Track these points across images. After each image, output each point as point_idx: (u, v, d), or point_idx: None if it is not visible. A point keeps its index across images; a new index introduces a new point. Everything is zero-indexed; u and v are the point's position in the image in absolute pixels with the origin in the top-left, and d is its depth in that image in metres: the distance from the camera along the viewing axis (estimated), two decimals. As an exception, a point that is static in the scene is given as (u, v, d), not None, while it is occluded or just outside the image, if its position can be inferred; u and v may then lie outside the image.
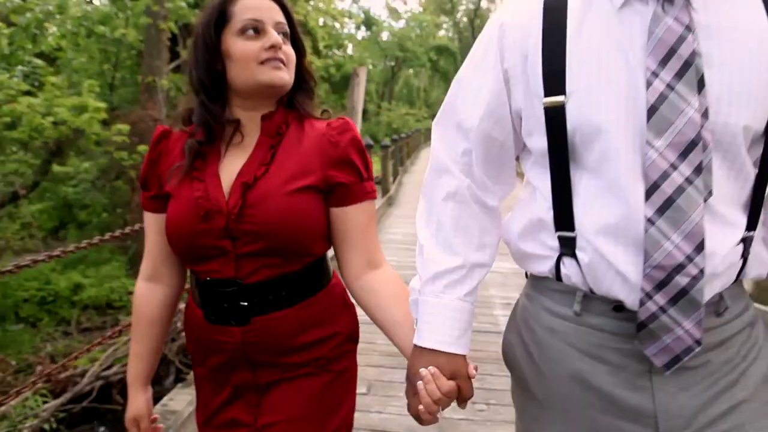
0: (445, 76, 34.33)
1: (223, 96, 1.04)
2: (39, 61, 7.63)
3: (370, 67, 25.42)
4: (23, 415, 3.82)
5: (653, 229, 0.76)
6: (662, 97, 0.75)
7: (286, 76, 1.02)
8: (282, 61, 1.01)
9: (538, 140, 0.84)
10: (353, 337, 1.14)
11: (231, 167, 1.02)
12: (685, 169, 0.74)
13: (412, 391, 0.93)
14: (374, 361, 2.95)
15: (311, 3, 14.02)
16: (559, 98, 0.80)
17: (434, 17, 35.16)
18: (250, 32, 1.00)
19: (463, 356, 0.91)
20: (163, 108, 7.10)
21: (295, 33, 1.06)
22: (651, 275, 0.76)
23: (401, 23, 33.55)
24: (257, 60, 0.99)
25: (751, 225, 0.82)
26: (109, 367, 4.45)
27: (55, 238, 10.35)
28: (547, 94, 0.81)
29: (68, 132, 5.67)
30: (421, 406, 0.88)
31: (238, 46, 0.99)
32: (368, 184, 1.07)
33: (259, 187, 1.00)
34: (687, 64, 0.74)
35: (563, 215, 0.84)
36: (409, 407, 0.93)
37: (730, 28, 0.77)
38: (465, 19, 38.50)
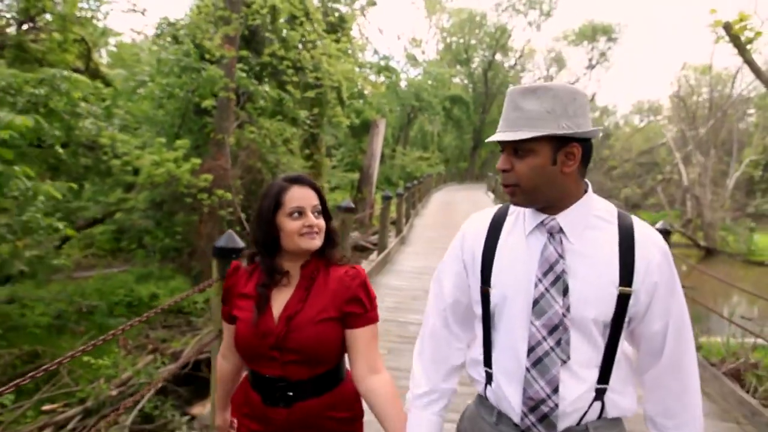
0: (458, 123, 36.22)
1: (277, 253, 1.51)
2: (128, 117, 9.86)
3: (388, 111, 27.20)
4: (148, 372, 5.76)
5: (528, 375, 1.19)
6: (542, 296, 1.19)
7: (317, 242, 1.50)
8: (315, 233, 1.49)
9: (477, 309, 1.31)
10: (361, 417, 1.61)
11: (279, 301, 1.49)
12: (551, 341, 1.17)
13: None
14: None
15: (341, 61, 15.95)
16: (489, 288, 1.26)
17: (450, 70, 37.32)
18: (295, 215, 1.48)
19: None
20: (229, 159, 9.24)
21: (324, 207, 1.53)
22: (526, 403, 1.20)
23: (418, 70, 35.90)
24: (299, 233, 1.47)
25: (603, 380, 1.20)
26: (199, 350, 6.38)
27: (114, 257, 12.43)
28: (482, 283, 1.27)
29: (168, 178, 7.77)
30: None
31: (287, 225, 1.47)
32: (371, 313, 1.51)
33: (298, 318, 1.47)
34: (558, 278, 1.18)
35: (486, 358, 1.29)
36: None
37: (591, 255, 1.20)
38: (479, 70, 40.65)
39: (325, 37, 12.12)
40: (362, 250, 12.67)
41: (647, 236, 1.23)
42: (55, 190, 4.83)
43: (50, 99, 6.79)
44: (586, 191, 1.26)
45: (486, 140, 1.31)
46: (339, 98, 14.97)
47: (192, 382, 6.13)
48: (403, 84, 31.25)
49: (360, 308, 1.50)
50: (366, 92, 21.67)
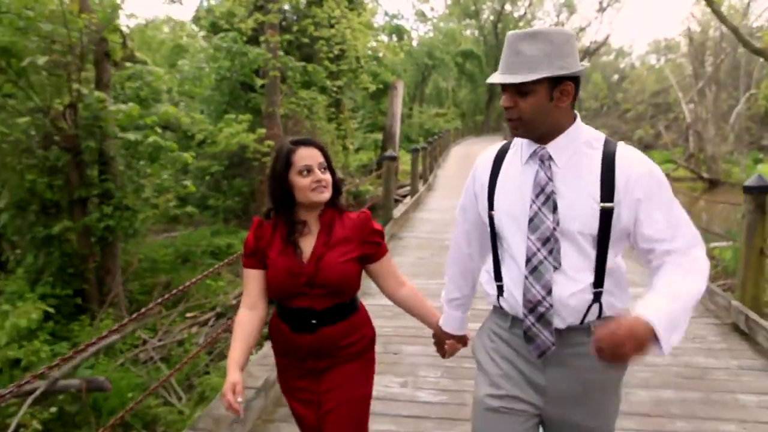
0: (471, 78, 37.31)
1: (293, 206, 1.80)
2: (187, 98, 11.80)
3: (402, 72, 28.59)
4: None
5: (527, 281, 1.44)
6: (535, 214, 1.43)
7: (326, 195, 1.79)
8: (324, 186, 1.77)
9: (487, 230, 1.59)
10: (373, 339, 1.96)
11: (306, 246, 1.80)
12: (544, 252, 1.42)
13: (439, 347, 1.91)
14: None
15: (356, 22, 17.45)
16: (492, 212, 1.53)
17: (460, 26, 38.19)
18: (305, 172, 1.75)
19: (464, 334, 1.86)
20: (281, 128, 11.21)
21: (329, 164, 1.82)
22: (526, 305, 1.45)
23: (428, 27, 36.93)
24: (310, 188, 1.75)
25: (599, 284, 1.43)
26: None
27: (177, 221, 14.62)
28: (488, 208, 1.54)
29: (236, 147, 9.78)
30: (446, 355, 1.91)
31: (298, 182, 1.75)
32: (383, 246, 1.90)
33: (325, 259, 1.78)
34: (548, 198, 1.42)
35: (497, 273, 1.57)
36: (438, 353, 1.93)
37: (575, 176, 1.42)
38: (489, 22, 41.37)
39: (348, 14, 13.82)
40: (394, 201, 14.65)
41: (628, 157, 1.42)
42: (187, 158, 6.80)
43: (141, 90, 8.73)
44: (574, 120, 1.47)
45: (488, 81, 1.48)
46: (360, 66, 16.67)
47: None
48: (414, 43, 32.48)
49: (375, 247, 1.87)
50: (380, 55, 23.15)
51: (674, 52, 40.61)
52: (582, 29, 41.54)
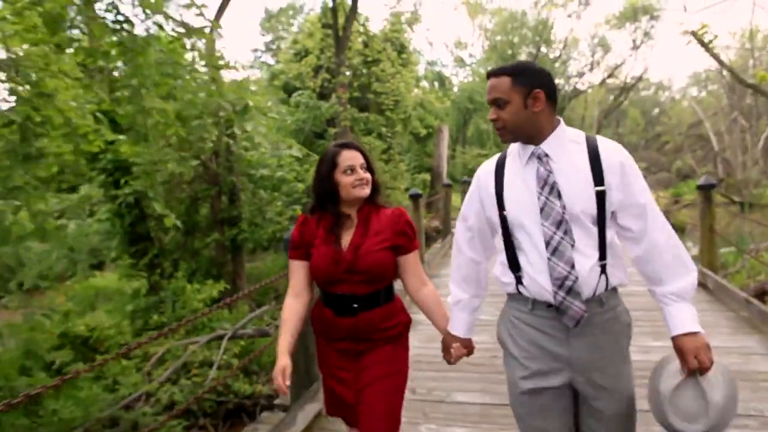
0: (510, 119, 39.67)
1: (337, 202, 2.05)
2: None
3: (445, 116, 31.22)
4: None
5: (551, 262, 1.65)
6: (545, 204, 1.66)
7: (367, 191, 2.03)
8: (365, 183, 2.02)
9: (498, 230, 1.81)
10: (408, 326, 2.17)
11: (346, 237, 2.04)
12: (560, 233, 1.64)
13: (446, 352, 2.02)
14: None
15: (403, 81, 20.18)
16: (504, 212, 1.76)
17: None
18: (348, 171, 2.01)
19: (469, 338, 2.00)
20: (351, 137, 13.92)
21: (369, 164, 2.07)
22: (555, 283, 1.65)
23: (466, 72, 39.61)
24: (352, 186, 2.01)
25: (603, 257, 1.68)
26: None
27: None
28: (499, 210, 1.77)
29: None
30: (452, 360, 2.01)
31: (342, 179, 2.01)
32: (415, 242, 2.10)
33: (363, 247, 2.00)
34: (552, 187, 1.67)
35: (512, 263, 1.77)
36: (445, 359, 2.03)
37: (570, 167, 1.69)
38: (526, 66, 43.72)
39: (401, 70, 16.63)
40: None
41: (609, 148, 1.71)
42: (300, 187, 9.28)
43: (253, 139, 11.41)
44: (559, 123, 1.74)
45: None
46: (408, 114, 19.34)
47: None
48: (455, 89, 35.21)
49: (407, 240, 2.09)
50: (426, 102, 25.83)
51: (715, 83, 41.86)
52: (618, 66, 43.59)
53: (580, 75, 41.36)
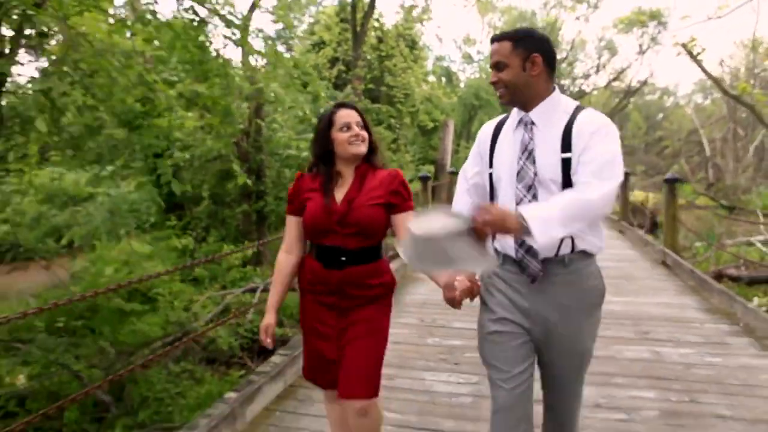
0: (515, 117, 40.65)
1: (332, 160, 2.13)
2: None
3: (451, 111, 32.34)
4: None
5: None
6: (521, 168, 1.83)
7: (363, 148, 2.11)
8: (361, 140, 2.10)
9: (487, 186, 1.97)
10: (392, 288, 2.22)
11: (340, 192, 2.11)
12: (529, 196, 1.81)
13: (448, 289, 1.94)
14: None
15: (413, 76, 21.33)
16: (491, 170, 1.94)
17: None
18: (344, 128, 2.09)
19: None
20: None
21: (365, 123, 2.15)
22: (516, 241, 1.83)
23: (474, 68, 40.59)
24: (348, 142, 2.08)
25: None
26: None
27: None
28: (489, 167, 1.95)
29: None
30: (456, 296, 1.93)
31: (338, 136, 2.10)
32: (408, 203, 2.15)
33: (356, 201, 2.07)
34: (530, 154, 1.82)
35: None
36: (448, 299, 1.96)
37: (548, 136, 1.82)
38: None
39: (413, 66, 17.83)
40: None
41: (586, 117, 1.78)
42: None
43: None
44: (553, 91, 1.84)
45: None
46: (416, 107, 20.54)
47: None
48: (461, 84, 36.21)
49: (400, 199, 2.14)
50: (433, 96, 26.97)
51: (719, 91, 42.81)
52: (623, 70, 44.61)
53: (586, 77, 42.26)
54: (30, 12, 5.01)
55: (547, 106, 1.85)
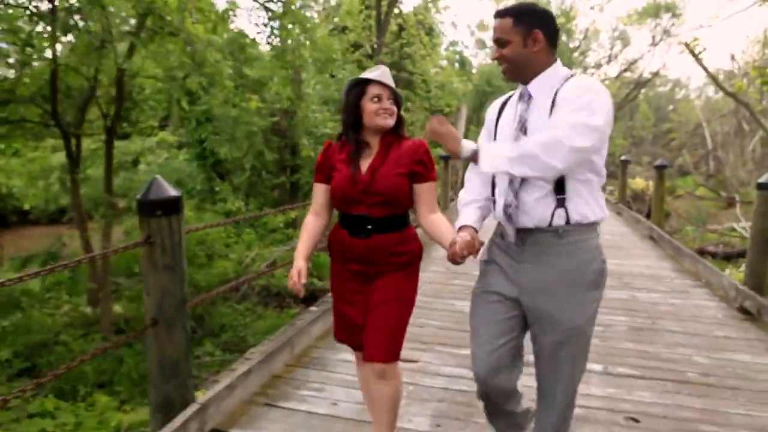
0: (525, 104, 41.48)
1: (360, 129, 2.17)
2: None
3: (462, 96, 33.39)
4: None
5: (507, 190, 1.90)
6: (515, 139, 1.87)
7: (391, 121, 2.15)
8: (389, 114, 2.14)
9: None
10: (419, 255, 2.26)
11: (366, 162, 2.15)
12: None
13: (450, 249, 1.88)
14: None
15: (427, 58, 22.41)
16: (495, 141, 1.99)
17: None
18: (375, 99, 2.12)
19: (475, 229, 1.98)
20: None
21: (396, 97, 2.17)
22: (503, 209, 1.93)
23: (486, 53, 41.36)
24: (376, 113, 2.12)
25: (559, 191, 1.80)
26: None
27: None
28: (494, 139, 2.00)
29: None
30: (457, 251, 1.84)
31: (368, 106, 2.13)
32: (431, 174, 2.17)
33: (380, 170, 2.11)
34: (524, 125, 1.87)
35: (493, 188, 2.00)
36: (451, 256, 1.88)
37: (540, 105, 1.85)
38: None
39: (430, 53, 19.01)
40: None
41: (574, 81, 1.80)
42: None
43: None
44: (553, 64, 1.85)
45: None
46: (428, 91, 21.70)
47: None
48: (474, 70, 37.14)
49: (423, 168, 2.17)
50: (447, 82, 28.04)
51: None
52: (635, 61, 45.30)
53: (598, 66, 42.98)
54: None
55: (545, 77, 1.87)
